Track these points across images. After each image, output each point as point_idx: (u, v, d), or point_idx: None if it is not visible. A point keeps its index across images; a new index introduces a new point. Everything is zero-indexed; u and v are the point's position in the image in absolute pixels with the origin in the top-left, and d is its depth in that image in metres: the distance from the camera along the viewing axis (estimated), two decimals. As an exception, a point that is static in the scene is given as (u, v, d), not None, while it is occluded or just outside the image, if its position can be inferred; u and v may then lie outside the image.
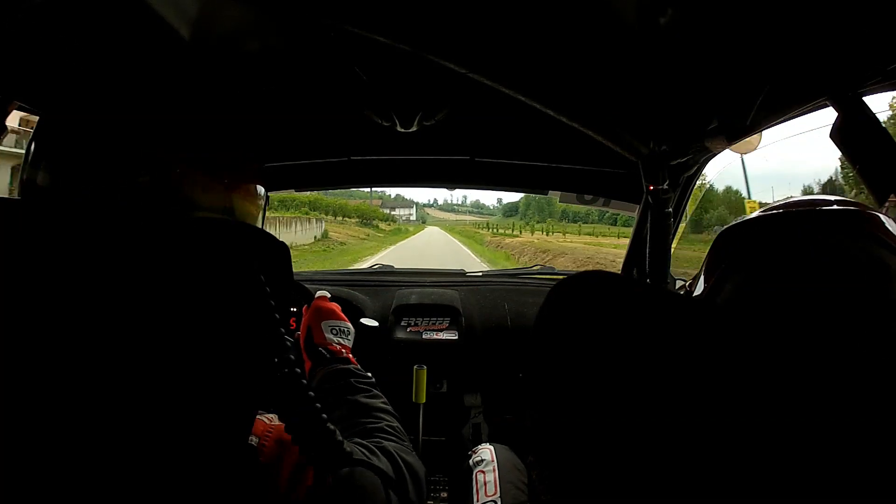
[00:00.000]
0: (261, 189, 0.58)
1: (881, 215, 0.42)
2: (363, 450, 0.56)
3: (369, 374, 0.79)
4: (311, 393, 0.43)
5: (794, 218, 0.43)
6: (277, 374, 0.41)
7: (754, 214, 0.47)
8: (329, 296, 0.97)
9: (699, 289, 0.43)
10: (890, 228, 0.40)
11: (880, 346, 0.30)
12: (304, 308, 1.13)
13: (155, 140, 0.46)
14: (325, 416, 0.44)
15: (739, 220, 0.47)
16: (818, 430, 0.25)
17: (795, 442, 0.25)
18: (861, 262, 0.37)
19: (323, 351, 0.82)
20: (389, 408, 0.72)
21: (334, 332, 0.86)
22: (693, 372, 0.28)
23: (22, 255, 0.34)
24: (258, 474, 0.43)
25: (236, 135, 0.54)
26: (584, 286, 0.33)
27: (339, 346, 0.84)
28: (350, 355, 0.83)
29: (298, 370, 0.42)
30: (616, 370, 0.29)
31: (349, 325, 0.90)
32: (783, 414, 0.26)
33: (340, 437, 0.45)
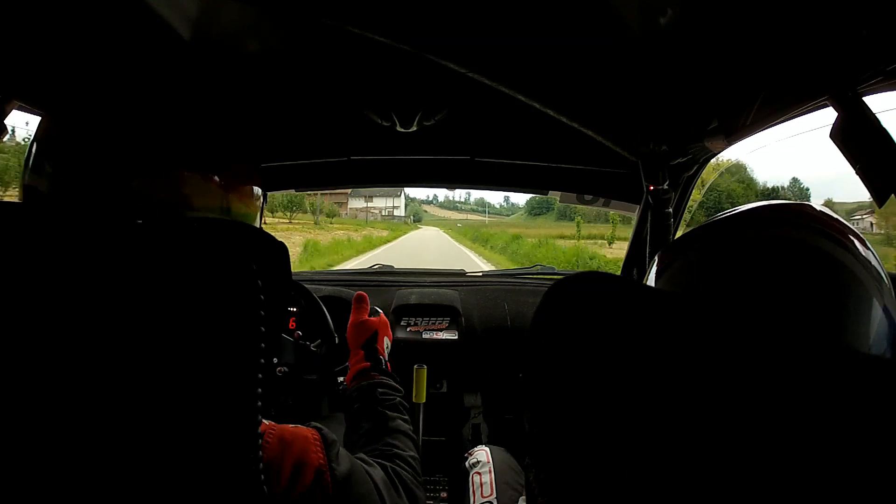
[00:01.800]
0: (258, 189, 0.58)
1: (823, 209, 0.43)
2: (364, 465, 0.57)
3: (405, 401, 0.83)
4: (260, 390, 0.41)
5: (729, 220, 0.46)
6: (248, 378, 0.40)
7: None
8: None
9: None
10: (834, 217, 0.42)
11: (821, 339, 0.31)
12: (302, 307, 1.13)
13: (154, 141, 0.46)
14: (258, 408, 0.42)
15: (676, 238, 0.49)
16: (789, 428, 0.26)
17: (778, 438, 0.26)
18: (800, 253, 0.39)
19: (382, 360, 0.87)
20: (414, 435, 0.76)
21: (387, 349, 0.93)
22: (690, 373, 0.28)
23: (21, 258, 0.34)
24: (260, 472, 0.43)
25: (236, 135, 0.54)
26: (582, 286, 0.33)
27: (387, 363, 0.89)
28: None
29: (260, 390, 0.40)
30: (612, 371, 0.29)
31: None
32: (776, 415, 0.26)
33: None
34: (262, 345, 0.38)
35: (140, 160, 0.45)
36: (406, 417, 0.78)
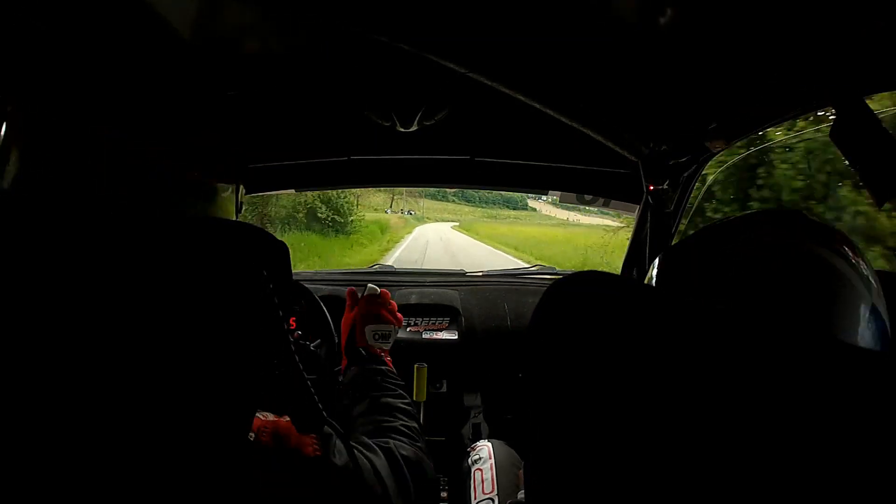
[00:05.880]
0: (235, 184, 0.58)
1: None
2: (360, 447, 0.56)
3: (399, 379, 0.81)
4: (313, 390, 0.43)
5: (724, 227, 0.48)
6: (278, 374, 0.41)
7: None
8: (378, 292, 0.94)
9: None
10: (825, 225, 0.45)
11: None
12: (302, 306, 1.13)
13: (146, 141, 0.46)
14: (322, 410, 0.45)
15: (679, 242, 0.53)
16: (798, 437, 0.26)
17: (775, 439, 0.26)
18: (793, 257, 0.41)
19: (362, 351, 0.85)
20: (411, 409, 0.75)
21: (376, 337, 0.88)
22: (690, 375, 0.28)
23: (18, 254, 0.34)
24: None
25: (232, 134, 0.54)
26: (580, 286, 0.33)
27: (379, 350, 0.87)
28: (387, 357, 0.87)
29: (301, 366, 0.43)
30: (610, 372, 0.29)
31: (392, 327, 0.91)
32: (776, 418, 0.26)
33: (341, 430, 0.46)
34: (284, 329, 0.38)
35: (128, 154, 0.45)
36: (396, 392, 0.77)
